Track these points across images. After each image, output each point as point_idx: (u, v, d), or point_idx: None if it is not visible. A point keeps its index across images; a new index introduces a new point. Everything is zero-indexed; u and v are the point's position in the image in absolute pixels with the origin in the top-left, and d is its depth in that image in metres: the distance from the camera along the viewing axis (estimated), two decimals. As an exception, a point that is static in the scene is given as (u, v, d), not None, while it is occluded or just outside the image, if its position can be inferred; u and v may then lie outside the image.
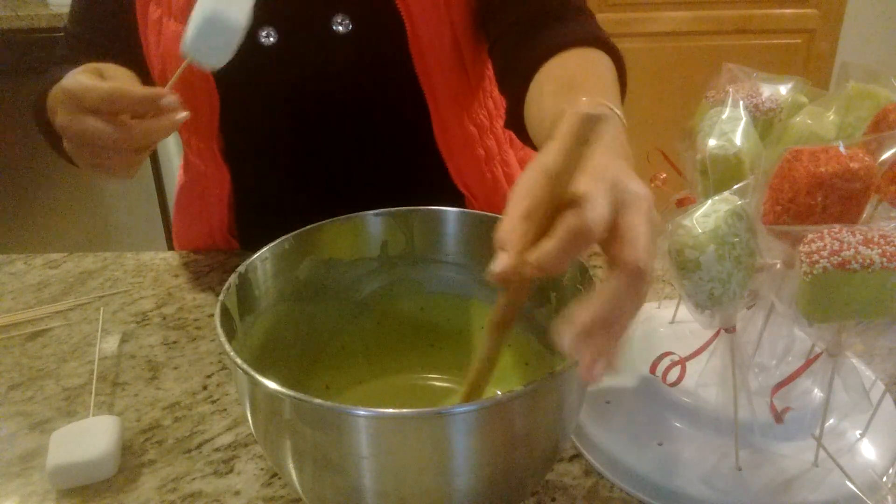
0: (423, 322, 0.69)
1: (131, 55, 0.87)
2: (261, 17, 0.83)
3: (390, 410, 0.44)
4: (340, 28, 0.84)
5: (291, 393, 0.45)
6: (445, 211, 0.65)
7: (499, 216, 0.57)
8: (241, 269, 0.58)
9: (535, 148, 0.78)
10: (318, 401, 0.44)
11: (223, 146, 0.89)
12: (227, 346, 0.49)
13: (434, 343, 0.69)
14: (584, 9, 0.84)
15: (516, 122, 0.80)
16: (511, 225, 0.42)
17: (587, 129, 0.38)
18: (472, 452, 0.46)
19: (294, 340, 0.64)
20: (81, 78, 0.67)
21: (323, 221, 0.64)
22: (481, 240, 0.65)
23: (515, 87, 0.79)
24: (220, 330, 0.50)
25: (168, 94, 0.66)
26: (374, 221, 0.66)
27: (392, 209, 0.66)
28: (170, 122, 0.67)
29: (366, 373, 0.69)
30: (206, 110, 0.85)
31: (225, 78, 0.83)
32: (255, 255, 0.60)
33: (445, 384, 0.69)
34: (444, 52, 0.87)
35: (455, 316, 0.69)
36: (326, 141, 0.91)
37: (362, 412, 0.44)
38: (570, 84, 0.68)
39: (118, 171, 0.71)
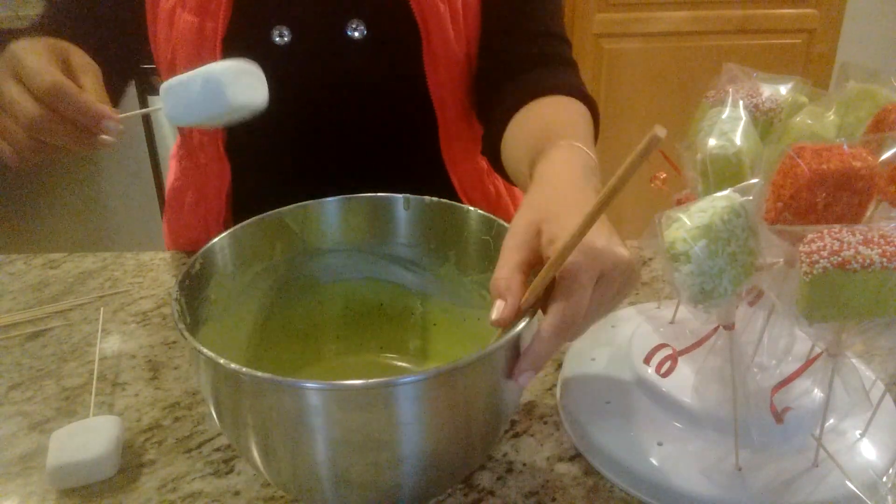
0: (364, 305, 0.71)
1: (118, 43, 0.85)
2: (275, 15, 0.84)
3: (340, 382, 0.46)
4: (356, 34, 0.84)
5: (244, 370, 0.47)
6: (393, 198, 0.68)
7: (453, 203, 0.65)
8: (194, 261, 0.59)
9: (507, 178, 0.82)
10: (261, 374, 0.46)
11: (226, 140, 0.89)
12: (182, 327, 0.51)
13: (379, 326, 0.71)
14: (571, 61, 0.89)
15: (492, 152, 0.84)
16: (509, 275, 0.50)
17: (652, 146, 0.42)
18: (416, 420, 0.48)
19: (245, 332, 0.66)
20: (35, 56, 0.61)
21: (277, 210, 0.66)
22: (432, 224, 0.67)
23: (496, 121, 0.83)
24: (177, 317, 0.53)
25: (112, 119, 0.61)
26: (327, 208, 0.68)
27: (350, 195, 0.68)
28: (95, 142, 0.62)
29: (312, 355, 0.70)
30: None
31: None
32: (210, 244, 0.61)
33: (397, 363, 0.71)
34: (458, 65, 0.88)
35: (392, 300, 0.71)
36: (331, 143, 0.91)
37: (311, 385, 0.46)
38: (547, 127, 0.72)
39: (6, 150, 0.64)
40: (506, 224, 0.61)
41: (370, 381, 0.46)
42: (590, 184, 0.58)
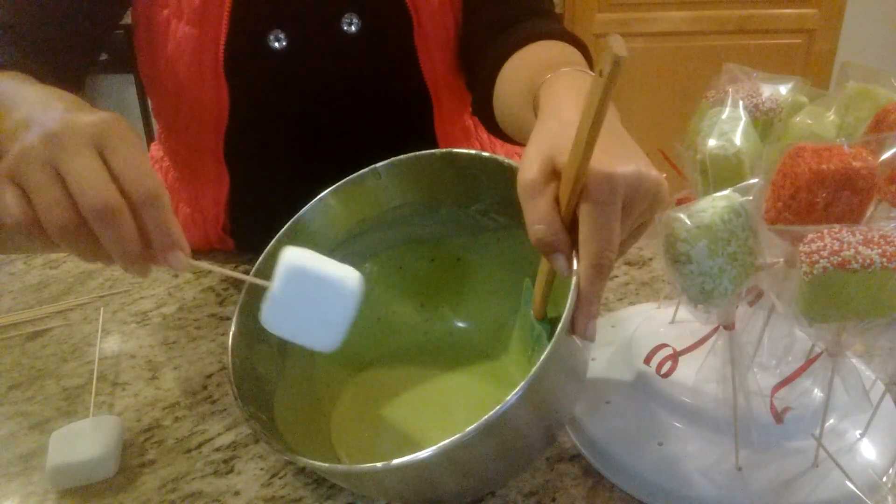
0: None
1: (83, 56, 0.80)
2: (270, 20, 0.83)
3: (402, 460, 0.47)
4: (353, 28, 0.84)
5: (323, 465, 0.51)
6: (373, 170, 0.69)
7: (418, 154, 0.66)
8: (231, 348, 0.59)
9: (498, 135, 0.81)
10: (342, 467, 0.54)
11: (225, 146, 0.89)
12: (270, 442, 0.53)
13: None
14: (553, 14, 0.87)
15: (483, 109, 0.83)
16: (549, 224, 0.47)
17: (616, 71, 0.41)
18: (477, 460, 0.50)
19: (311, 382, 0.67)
20: (135, 146, 0.49)
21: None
22: (412, 180, 0.68)
23: (483, 78, 0.81)
24: (263, 437, 0.54)
25: (186, 254, 0.50)
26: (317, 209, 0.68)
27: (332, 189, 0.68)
28: (141, 269, 0.51)
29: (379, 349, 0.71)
30: (214, 112, 0.85)
31: (235, 81, 0.83)
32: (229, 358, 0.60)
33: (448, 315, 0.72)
34: (449, 45, 0.88)
35: (412, 259, 0.72)
36: (327, 137, 0.91)
37: (380, 467, 0.47)
38: (546, 61, 0.68)
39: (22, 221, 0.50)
40: (485, 155, 0.62)
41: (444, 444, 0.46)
42: (610, 122, 0.55)
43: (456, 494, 0.56)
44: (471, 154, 0.64)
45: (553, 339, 0.47)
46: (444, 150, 0.65)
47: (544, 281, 0.55)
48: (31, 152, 0.48)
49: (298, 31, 0.84)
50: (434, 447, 0.45)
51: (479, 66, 0.84)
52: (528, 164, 0.49)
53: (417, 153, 0.66)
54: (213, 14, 0.80)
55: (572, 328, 0.48)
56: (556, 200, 0.48)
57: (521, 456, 0.55)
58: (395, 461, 0.46)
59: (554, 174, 0.49)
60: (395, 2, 0.83)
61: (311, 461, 0.51)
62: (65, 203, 0.47)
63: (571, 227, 0.48)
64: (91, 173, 0.47)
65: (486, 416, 0.45)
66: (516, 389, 0.45)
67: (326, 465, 0.51)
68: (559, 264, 0.48)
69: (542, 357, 0.46)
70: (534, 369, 0.46)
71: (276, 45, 0.83)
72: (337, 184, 0.68)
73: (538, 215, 0.48)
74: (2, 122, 0.51)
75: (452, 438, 0.45)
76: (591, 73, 0.61)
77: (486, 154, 0.63)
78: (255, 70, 0.84)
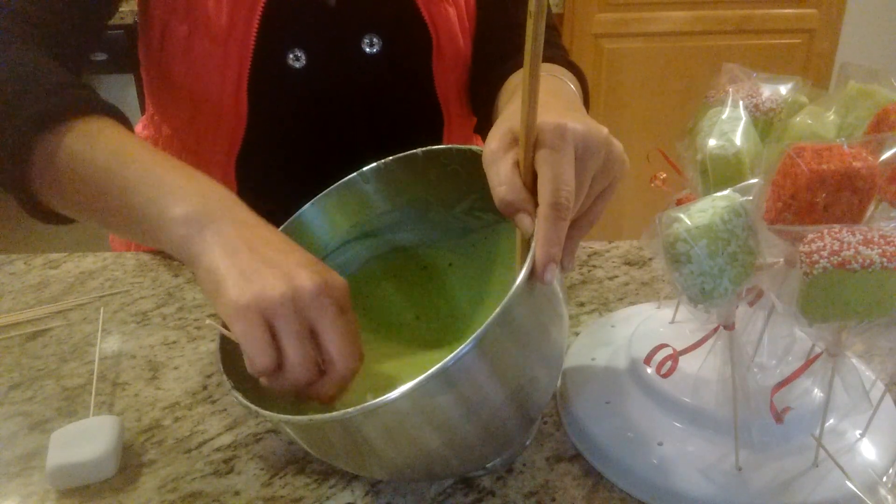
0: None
1: (82, 46, 0.78)
2: (291, 39, 0.83)
3: (373, 402, 0.47)
4: (374, 49, 0.85)
5: (294, 418, 0.49)
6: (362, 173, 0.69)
7: (403, 155, 0.66)
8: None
9: None
10: (317, 417, 0.48)
11: (237, 159, 0.89)
12: (254, 409, 0.51)
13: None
14: (558, 45, 0.90)
15: (486, 131, 0.85)
16: (512, 188, 0.50)
17: (542, 7, 0.45)
18: (454, 406, 0.49)
19: None
20: (349, 300, 0.53)
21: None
22: (398, 182, 0.68)
23: (485, 101, 0.84)
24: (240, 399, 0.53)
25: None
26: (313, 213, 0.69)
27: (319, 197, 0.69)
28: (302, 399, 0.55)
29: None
30: (231, 127, 0.84)
31: (253, 97, 0.83)
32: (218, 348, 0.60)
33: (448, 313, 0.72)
34: (463, 64, 0.89)
35: (401, 266, 0.72)
36: (339, 153, 0.90)
37: (353, 412, 0.47)
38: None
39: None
40: (460, 147, 0.63)
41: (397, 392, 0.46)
42: (562, 97, 0.57)
43: (441, 460, 0.54)
44: (448, 148, 0.64)
45: (513, 288, 0.47)
46: (424, 148, 0.65)
47: (520, 260, 0.55)
48: (290, 300, 0.49)
49: (318, 51, 0.84)
50: (398, 390, 0.46)
51: (483, 91, 0.86)
52: (491, 137, 0.53)
53: (400, 154, 0.67)
54: (239, 33, 0.79)
55: (532, 274, 0.49)
56: (517, 164, 0.51)
57: (494, 424, 0.53)
58: (368, 403, 0.46)
59: (513, 142, 0.52)
60: (417, 24, 0.84)
61: (294, 417, 0.49)
62: (314, 360, 0.51)
63: (533, 189, 0.51)
64: (350, 343, 0.51)
65: (442, 361, 0.46)
66: (472, 336, 0.46)
67: (308, 417, 0.48)
68: (523, 223, 0.51)
69: (500, 305, 0.46)
70: (491, 317, 0.46)
71: (296, 64, 0.83)
72: (326, 189, 0.69)
73: (500, 178, 0.51)
74: (236, 240, 0.54)
75: (415, 380, 0.46)
76: (562, 77, 0.61)
77: (460, 146, 0.63)
78: (273, 87, 0.84)
